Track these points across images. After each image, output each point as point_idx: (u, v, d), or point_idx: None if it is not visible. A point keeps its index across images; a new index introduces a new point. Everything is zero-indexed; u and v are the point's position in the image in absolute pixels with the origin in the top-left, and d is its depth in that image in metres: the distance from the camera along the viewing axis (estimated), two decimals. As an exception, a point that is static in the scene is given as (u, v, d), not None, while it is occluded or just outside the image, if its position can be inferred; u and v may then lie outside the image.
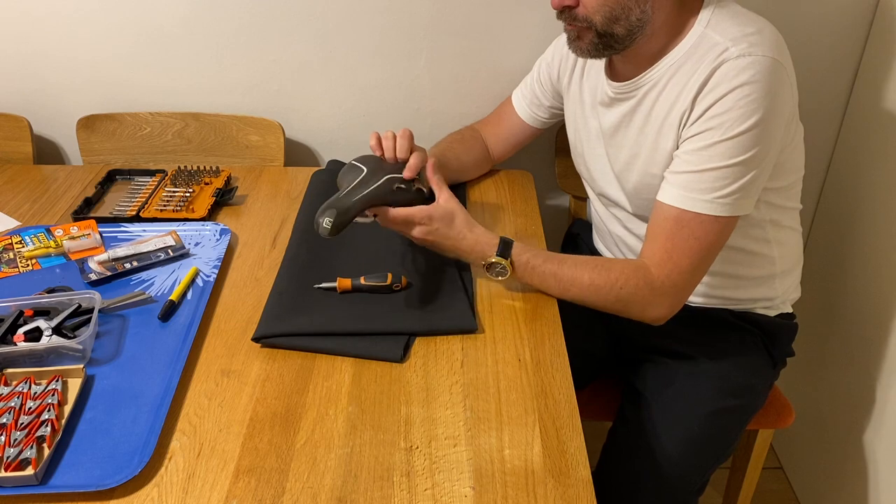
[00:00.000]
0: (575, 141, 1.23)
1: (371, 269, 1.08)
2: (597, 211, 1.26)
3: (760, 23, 0.97)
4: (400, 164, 1.07)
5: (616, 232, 1.21)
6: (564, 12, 0.98)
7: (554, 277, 1.03)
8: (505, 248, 1.03)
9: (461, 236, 1.04)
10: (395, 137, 1.10)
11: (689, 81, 0.97)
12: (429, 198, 1.08)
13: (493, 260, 1.02)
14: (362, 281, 1.05)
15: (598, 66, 1.14)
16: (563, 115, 1.28)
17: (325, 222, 0.94)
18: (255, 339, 0.98)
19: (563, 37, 1.20)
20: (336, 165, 1.37)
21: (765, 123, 0.93)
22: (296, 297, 1.04)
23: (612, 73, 1.10)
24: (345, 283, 1.05)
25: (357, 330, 0.98)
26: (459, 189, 1.32)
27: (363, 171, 1.04)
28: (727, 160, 0.94)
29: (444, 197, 1.05)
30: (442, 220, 1.03)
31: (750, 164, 0.95)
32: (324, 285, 1.06)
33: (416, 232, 1.04)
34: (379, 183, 1.02)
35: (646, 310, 1.02)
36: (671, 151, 1.01)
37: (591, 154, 1.19)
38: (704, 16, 0.99)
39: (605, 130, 1.12)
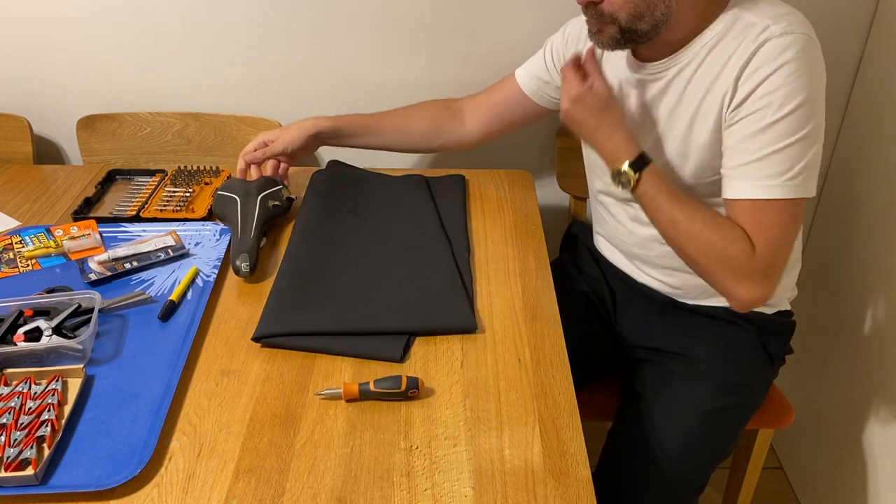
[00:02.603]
0: None
1: (371, 270, 1.08)
2: (603, 204, 1.23)
3: (789, 7, 0.97)
4: (260, 179, 1.23)
5: (625, 224, 1.19)
6: (590, 8, 0.98)
7: (668, 216, 0.99)
8: (641, 163, 1.00)
9: (604, 127, 1.02)
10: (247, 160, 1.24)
11: (729, 62, 0.96)
12: (293, 199, 1.25)
13: (624, 168, 1.00)
14: (371, 387, 0.88)
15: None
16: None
17: (244, 267, 1.08)
18: (255, 339, 0.98)
19: (573, 21, 1.18)
20: (336, 166, 1.37)
21: (814, 98, 0.93)
22: (296, 297, 1.04)
23: (639, 55, 1.08)
24: (351, 388, 0.89)
25: (357, 329, 0.98)
26: (458, 186, 1.32)
27: (237, 199, 1.18)
28: (788, 139, 0.93)
29: (598, 83, 1.03)
30: (593, 104, 1.01)
31: (810, 139, 0.94)
32: (326, 392, 0.90)
33: (573, 91, 1.02)
34: (258, 209, 1.17)
35: (739, 283, 0.97)
36: (711, 134, 1.00)
37: None
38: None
39: (628, 115, 1.10)
